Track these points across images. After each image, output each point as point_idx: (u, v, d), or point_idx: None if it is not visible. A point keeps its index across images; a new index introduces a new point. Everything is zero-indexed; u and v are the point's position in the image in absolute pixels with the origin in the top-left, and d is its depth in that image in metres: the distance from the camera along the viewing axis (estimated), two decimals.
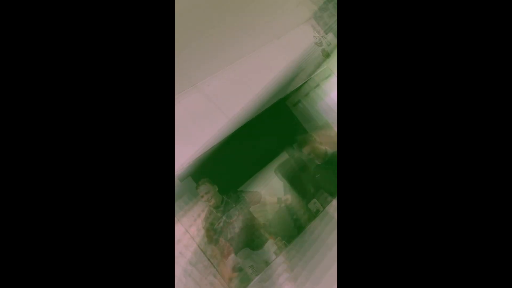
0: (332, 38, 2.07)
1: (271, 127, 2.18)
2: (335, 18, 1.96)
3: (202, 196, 1.90)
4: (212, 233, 1.85)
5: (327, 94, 2.31)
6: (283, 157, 2.25)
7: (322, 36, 2.05)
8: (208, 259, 1.76)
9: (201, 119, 2.04)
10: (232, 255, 1.83)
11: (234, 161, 2.05)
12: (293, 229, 2.08)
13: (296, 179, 2.25)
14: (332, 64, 2.12)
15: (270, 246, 1.98)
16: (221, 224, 1.90)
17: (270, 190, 2.16)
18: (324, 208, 2.23)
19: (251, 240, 1.94)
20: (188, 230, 1.82)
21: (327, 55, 2.06)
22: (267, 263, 1.89)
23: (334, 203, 2.19)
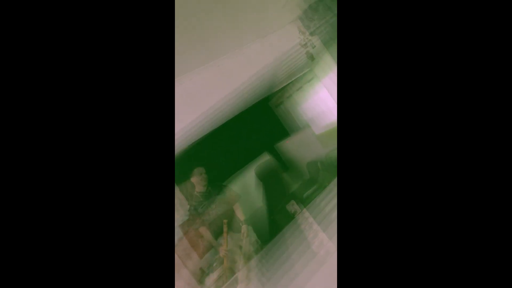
0: (317, 41, 2.08)
1: (253, 127, 2.15)
2: (323, 20, 1.98)
3: (200, 174, 1.95)
4: (194, 214, 1.90)
5: (309, 97, 2.32)
6: (264, 157, 2.23)
7: (307, 38, 2.05)
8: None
9: (181, 114, 1.97)
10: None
11: (214, 159, 1.99)
12: (270, 230, 2.07)
13: (275, 180, 2.24)
14: (316, 67, 2.13)
15: (245, 230, 2.03)
16: (203, 208, 1.93)
17: (248, 189, 2.13)
18: (301, 210, 2.23)
19: (229, 221, 1.99)
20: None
21: (311, 58, 2.06)
22: (240, 247, 1.94)
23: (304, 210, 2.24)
